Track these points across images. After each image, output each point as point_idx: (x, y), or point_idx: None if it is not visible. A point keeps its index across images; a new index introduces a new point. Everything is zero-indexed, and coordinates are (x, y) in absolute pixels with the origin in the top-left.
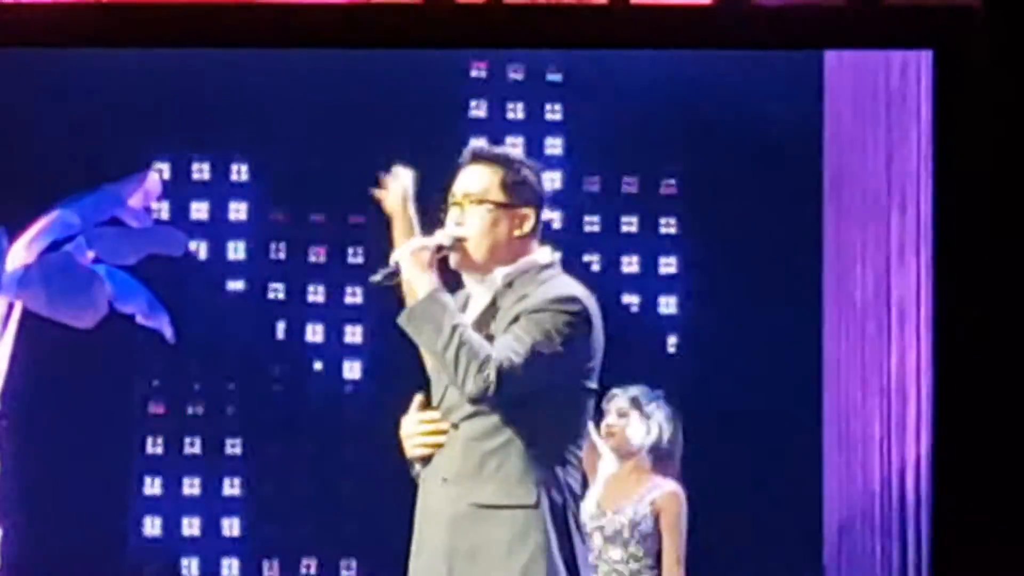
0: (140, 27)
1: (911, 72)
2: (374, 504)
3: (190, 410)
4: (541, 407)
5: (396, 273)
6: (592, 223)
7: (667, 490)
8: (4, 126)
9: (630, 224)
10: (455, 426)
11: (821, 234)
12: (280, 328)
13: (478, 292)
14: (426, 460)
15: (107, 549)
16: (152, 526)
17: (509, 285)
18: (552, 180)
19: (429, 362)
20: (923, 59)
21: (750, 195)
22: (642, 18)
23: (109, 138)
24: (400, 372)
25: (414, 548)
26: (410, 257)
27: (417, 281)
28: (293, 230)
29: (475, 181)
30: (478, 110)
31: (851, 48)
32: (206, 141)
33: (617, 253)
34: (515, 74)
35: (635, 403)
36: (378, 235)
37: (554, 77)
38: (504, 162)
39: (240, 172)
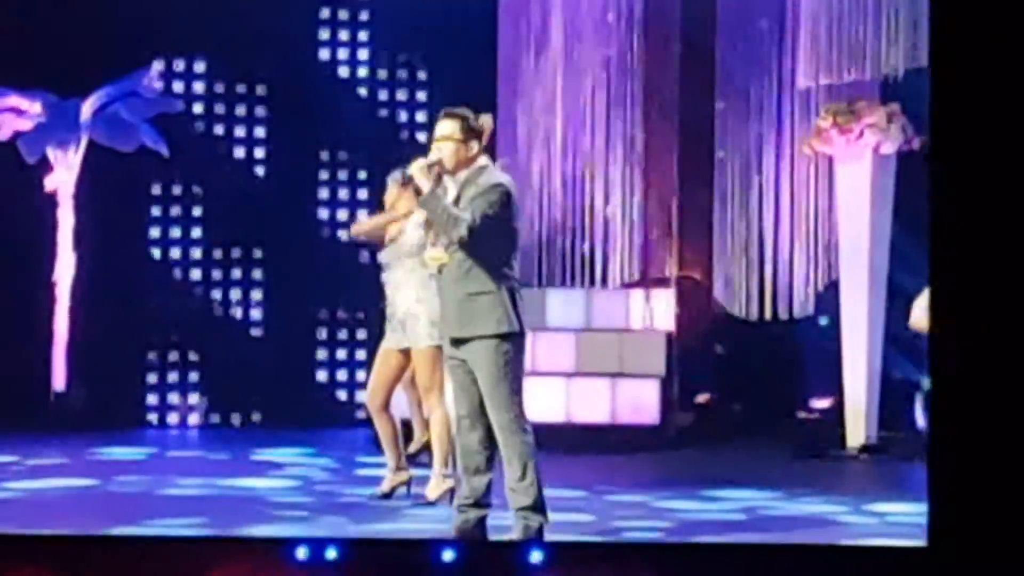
0: None
1: None
2: None
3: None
4: (491, 240)
5: (412, 179)
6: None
7: None
8: (83, 32)
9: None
10: (451, 256)
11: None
12: None
13: (451, 187)
14: (439, 272)
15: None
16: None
17: (466, 182)
18: None
19: (421, 233)
20: None
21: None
22: None
23: (134, 42)
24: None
25: (432, 317)
26: (419, 171)
27: (424, 184)
28: None
29: (446, 129)
30: None
31: None
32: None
33: None
34: None
35: None
36: None
37: None
38: (461, 116)
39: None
